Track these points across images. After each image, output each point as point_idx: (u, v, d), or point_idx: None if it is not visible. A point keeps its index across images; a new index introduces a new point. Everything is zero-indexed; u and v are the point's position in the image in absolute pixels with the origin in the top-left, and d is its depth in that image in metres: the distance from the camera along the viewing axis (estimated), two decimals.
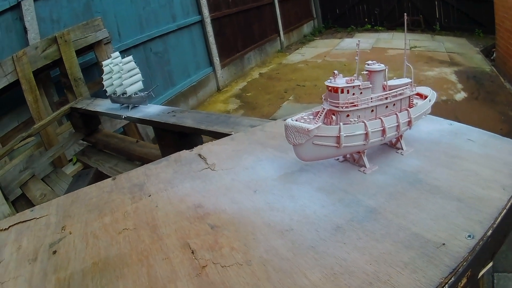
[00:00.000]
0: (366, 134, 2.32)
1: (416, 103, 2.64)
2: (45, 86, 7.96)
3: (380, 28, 19.33)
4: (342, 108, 2.28)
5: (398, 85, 2.51)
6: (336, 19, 21.19)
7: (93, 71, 8.59)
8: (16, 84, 6.88)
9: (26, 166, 6.59)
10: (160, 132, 4.81)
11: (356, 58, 2.45)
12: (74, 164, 6.95)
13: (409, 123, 2.53)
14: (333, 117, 2.34)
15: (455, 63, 12.41)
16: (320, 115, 2.33)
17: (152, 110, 5.04)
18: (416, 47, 14.86)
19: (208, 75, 12.79)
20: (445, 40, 15.61)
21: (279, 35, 17.52)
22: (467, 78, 10.78)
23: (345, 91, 2.28)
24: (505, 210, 1.95)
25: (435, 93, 2.84)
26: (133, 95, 5.14)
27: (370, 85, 2.37)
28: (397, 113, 2.47)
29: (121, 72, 5.19)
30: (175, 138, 4.54)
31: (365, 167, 2.46)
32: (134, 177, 2.85)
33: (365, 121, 2.32)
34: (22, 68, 6.81)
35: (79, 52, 7.94)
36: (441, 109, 8.59)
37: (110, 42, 8.45)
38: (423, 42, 15.59)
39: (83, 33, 7.83)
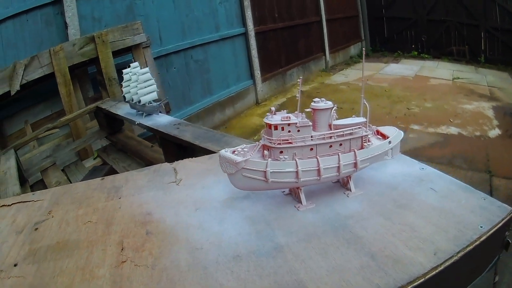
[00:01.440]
0: (297, 173, 2.32)
1: (369, 144, 2.56)
2: (81, 81, 8.39)
3: (426, 55, 19.12)
4: (274, 144, 2.30)
5: (346, 125, 2.46)
6: (384, 42, 21.06)
7: None
8: (52, 76, 7.29)
9: (50, 154, 6.94)
10: (164, 142, 5.05)
11: (297, 95, 2.51)
12: (94, 158, 7.28)
13: (355, 165, 2.45)
14: (266, 152, 2.37)
15: (495, 98, 12.07)
16: (255, 150, 2.41)
17: (162, 120, 5.25)
18: (458, 78, 14.61)
19: (247, 87, 12.90)
20: (488, 73, 15.22)
21: (325, 54, 17.46)
22: (504, 114, 10.45)
23: (279, 128, 2.30)
24: (420, 281, 1.81)
25: (402, 133, 2.74)
26: (147, 104, 5.38)
27: (309, 123, 2.37)
28: (339, 153, 2.41)
29: (137, 82, 5.45)
30: (176, 149, 4.75)
31: (301, 203, 2.46)
32: (117, 180, 3.22)
33: (297, 159, 2.31)
34: (58, 62, 7.21)
35: (117, 53, 8.27)
36: (472, 145, 8.47)
37: (149, 46, 8.70)
38: (466, 73, 15.31)
39: (121, 35, 8.14)
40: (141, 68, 5.67)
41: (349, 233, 2.18)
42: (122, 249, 2.21)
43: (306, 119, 2.37)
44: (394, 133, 2.69)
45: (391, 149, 2.66)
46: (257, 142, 2.46)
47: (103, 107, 6.69)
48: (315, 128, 2.44)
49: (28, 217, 2.71)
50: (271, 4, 14.05)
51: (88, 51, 7.69)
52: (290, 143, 2.32)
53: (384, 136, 2.69)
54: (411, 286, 1.80)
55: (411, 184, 2.64)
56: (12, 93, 6.74)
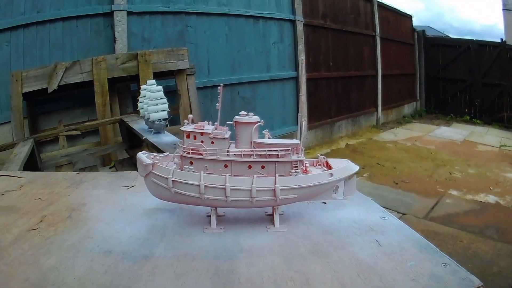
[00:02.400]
0: (199, 187, 2.05)
1: (300, 172, 2.15)
2: (122, 96, 8.78)
3: (477, 121, 19.03)
4: (184, 153, 2.11)
5: (272, 144, 2.12)
6: (438, 104, 20.95)
7: (171, 97, 9.27)
8: (92, 84, 7.65)
9: (69, 153, 7.23)
10: None
11: (217, 105, 2.24)
12: (110, 168, 7.49)
13: (274, 194, 2.07)
14: (176, 160, 2.21)
15: None
16: (173, 158, 2.27)
17: (167, 139, 5.34)
18: (506, 145, 14.31)
19: (292, 132, 12.70)
20: None
21: (377, 110, 17.23)
22: None
23: (191, 136, 2.10)
24: None
25: (356, 167, 2.25)
26: (156, 122, 5.55)
27: (225, 136, 2.12)
28: (254, 176, 2.08)
29: (149, 99, 5.66)
30: None
31: (210, 226, 2.20)
32: (87, 176, 3.46)
33: (202, 173, 2.08)
34: (98, 72, 7.59)
35: (161, 75, 8.50)
36: (508, 216, 8.15)
37: (193, 74, 8.90)
38: None
39: (165, 58, 8.39)
40: (156, 86, 5.88)
41: (226, 265, 1.87)
42: (40, 221, 2.42)
43: (224, 131, 2.13)
44: (343, 165, 2.24)
45: (341, 186, 2.22)
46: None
47: (125, 120, 6.92)
48: (236, 144, 2.17)
49: (5, 186, 3.15)
50: (327, 52, 14.15)
51: (130, 67, 8.02)
52: (200, 154, 2.10)
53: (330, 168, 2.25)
54: None
55: (353, 232, 2.15)
56: (49, 90, 7.18)
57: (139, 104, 6.08)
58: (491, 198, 9.08)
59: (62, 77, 7.28)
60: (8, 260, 1.97)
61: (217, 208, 2.23)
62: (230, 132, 2.19)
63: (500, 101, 18.43)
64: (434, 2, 53.93)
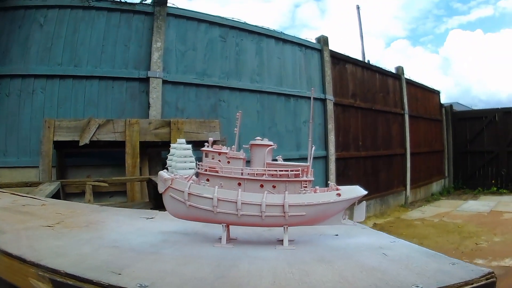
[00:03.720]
0: (213, 200, 2.17)
1: (308, 190, 2.28)
2: (152, 161, 8.94)
3: (504, 191, 18.83)
4: (202, 170, 2.28)
5: (283, 165, 2.30)
6: (466, 179, 20.70)
7: None
8: (123, 145, 7.83)
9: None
10: None
11: (235, 129, 2.48)
12: None
13: (283, 209, 2.15)
14: (194, 178, 2.35)
15: None
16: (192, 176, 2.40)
17: None
18: None
19: None
20: None
21: (405, 189, 16.94)
22: None
23: (209, 155, 2.30)
24: None
25: (363, 191, 2.33)
26: None
27: (241, 157, 2.31)
28: (265, 192, 2.20)
29: (178, 156, 5.66)
30: None
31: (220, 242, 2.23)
32: (109, 208, 3.68)
33: (216, 187, 2.20)
34: (131, 133, 7.83)
35: (193, 145, 8.52)
36: None
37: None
38: None
39: (197, 129, 8.59)
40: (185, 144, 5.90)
41: (229, 262, 1.90)
42: (57, 223, 2.58)
43: (240, 152, 2.34)
44: (351, 188, 2.35)
45: (351, 211, 2.36)
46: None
47: (153, 179, 6.96)
48: (251, 165, 2.33)
49: (26, 203, 3.39)
50: (356, 132, 14.31)
51: (162, 133, 8.23)
52: (216, 171, 2.26)
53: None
54: None
55: (360, 250, 2.15)
56: (81, 143, 7.39)
57: (167, 162, 6.10)
58: None
59: (94, 133, 7.51)
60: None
61: (230, 231, 2.31)
62: (244, 154, 2.37)
63: None
64: (462, 77, 54.84)
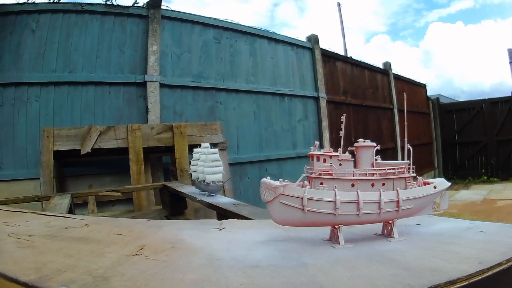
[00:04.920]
0: (335, 203, 2.13)
1: (414, 185, 2.45)
2: (154, 168, 8.70)
3: (495, 179, 19.38)
4: (315, 174, 2.19)
5: (389, 163, 2.39)
6: (456, 170, 21.16)
7: None
8: (125, 152, 7.60)
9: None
10: (221, 217, 4.94)
11: (341, 132, 2.45)
12: None
13: (397, 204, 2.27)
14: (305, 182, 2.25)
15: None
16: (297, 182, 2.28)
17: (222, 200, 5.18)
18: None
19: None
20: None
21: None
22: None
23: (321, 159, 2.24)
24: (463, 283, 1.63)
25: (448, 183, 2.60)
26: (211, 183, 5.34)
27: (352, 158, 2.29)
28: (380, 189, 2.26)
29: (205, 161, 5.49)
30: None
31: (338, 243, 2.20)
32: (163, 222, 3.66)
33: (335, 190, 2.15)
34: (133, 139, 7.59)
35: (194, 148, 8.41)
36: None
37: (225, 149, 8.85)
38: None
39: (200, 132, 8.46)
40: (211, 148, 5.73)
41: (384, 258, 1.97)
42: (140, 249, 2.23)
43: (349, 155, 2.30)
44: (440, 180, 2.59)
45: (439, 199, 2.53)
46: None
47: (169, 186, 6.79)
48: (358, 166, 2.35)
49: (63, 224, 2.97)
50: (349, 128, 14.31)
51: (165, 138, 8.02)
52: (330, 174, 2.20)
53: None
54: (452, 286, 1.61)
55: (459, 231, 2.50)
56: (83, 152, 7.10)
57: (191, 167, 5.93)
58: None
59: (96, 140, 7.25)
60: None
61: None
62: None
63: None
64: (443, 69, 55.80)
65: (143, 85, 8.72)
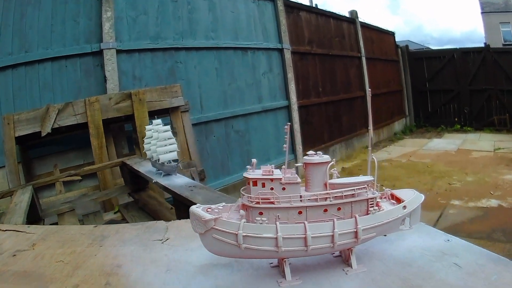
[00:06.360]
0: (276, 240, 1.82)
1: (376, 210, 2.01)
2: (116, 137, 8.51)
3: (468, 128, 19.65)
4: (252, 203, 1.87)
5: (347, 184, 1.96)
6: (427, 117, 21.42)
7: None
8: (86, 126, 7.38)
9: (71, 200, 6.83)
10: (177, 202, 4.91)
11: (285, 146, 2.04)
12: (115, 213, 7.14)
13: (356, 235, 1.91)
14: (241, 212, 1.93)
15: None
16: (233, 208, 2.01)
17: (179, 181, 5.03)
18: (500, 148, 14.74)
19: (290, 162, 12.54)
20: None
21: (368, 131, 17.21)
22: None
23: (259, 184, 1.88)
24: None
25: (422, 196, 2.18)
26: (166, 163, 5.26)
27: (298, 180, 1.91)
28: (334, 220, 1.89)
29: (157, 139, 5.39)
30: (187, 210, 4.59)
31: (284, 278, 1.94)
32: (108, 229, 3.18)
33: (278, 224, 1.85)
34: (92, 113, 7.33)
35: (155, 114, 8.02)
36: (507, 215, 8.43)
37: (187, 111, 8.69)
38: (507, 143, 15.57)
39: (159, 96, 8.18)
40: (163, 126, 5.61)
41: None
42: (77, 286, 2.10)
43: (295, 175, 1.93)
44: (412, 196, 2.14)
45: (408, 217, 2.11)
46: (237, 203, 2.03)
47: (128, 163, 6.62)
48: (308, 187, 1.97)
49: (14, 244, 2.88)
50: (315, 78, 14.23)
51: (124, 107, 7.78)
52: (272, 202, 1.88)
53: (399, 201, 2.13)
54: None
55: (430, 260, 2.09)
56: (43, 134, 6.88)
57: (145, 146, 5.81)
58: (493, 202, 9.36)
59: (55, 120, 7.00)
60: None
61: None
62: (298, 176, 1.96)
63: (489, 105, 19.17)
64: (412, 15, 55.04)
65: (99, 53, 8.35)
